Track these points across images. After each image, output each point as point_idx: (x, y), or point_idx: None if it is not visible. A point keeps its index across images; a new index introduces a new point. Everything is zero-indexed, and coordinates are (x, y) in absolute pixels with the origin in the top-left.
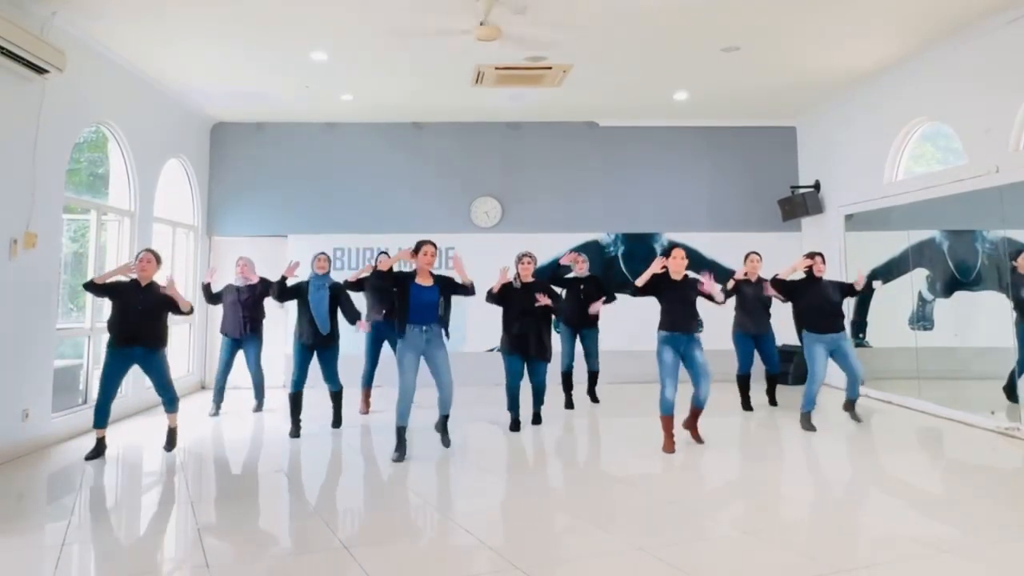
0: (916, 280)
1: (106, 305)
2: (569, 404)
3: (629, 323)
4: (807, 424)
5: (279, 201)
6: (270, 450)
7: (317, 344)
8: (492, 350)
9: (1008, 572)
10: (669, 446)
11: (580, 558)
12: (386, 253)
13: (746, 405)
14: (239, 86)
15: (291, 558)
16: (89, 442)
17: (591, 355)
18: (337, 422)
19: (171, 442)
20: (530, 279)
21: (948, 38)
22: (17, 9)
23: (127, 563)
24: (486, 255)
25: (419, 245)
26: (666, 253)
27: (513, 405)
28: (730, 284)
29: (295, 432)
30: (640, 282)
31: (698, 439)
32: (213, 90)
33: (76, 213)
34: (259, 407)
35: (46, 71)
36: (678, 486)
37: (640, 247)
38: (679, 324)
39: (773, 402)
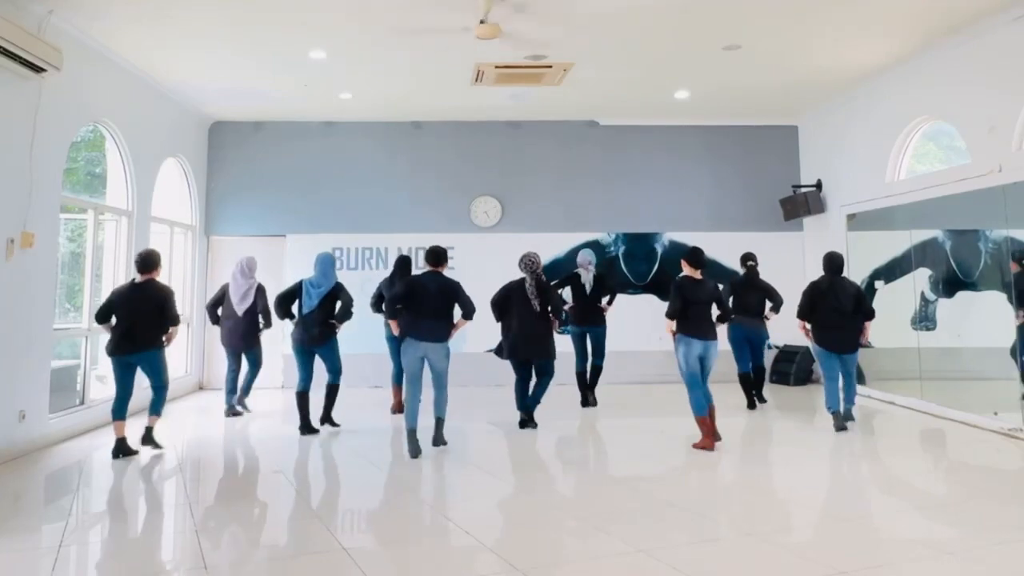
0: (919, 280)
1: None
2: (585, 402)
3: (630, 324)
4: (840, 422)
5: (278, 201)
6: (268, 451)
7: (312, 343)
8: (491, 350)
9: (1011, 574)
10: (710, 444)
11: (581, 560)
12: (407, 257)
13: (751, 403)
14: (237, 85)
15: (289, 559)
16: (88, 442)
17: (597, 351)
18: (325, 417)
19: (147, 438)
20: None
21: (951, 37)
22: (14, 7)
23: (125, 565)
24: (486, 255)
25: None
26: (692, 258)
27: (522, 404)
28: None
29: (305, 430)
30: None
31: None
32: (211, 89)
33: (73, 213)
34: (232, 411)
35: (43, 70)
36: (679, 488)
37: (640, 247)
38: (704, 329)
39: (751, 404)
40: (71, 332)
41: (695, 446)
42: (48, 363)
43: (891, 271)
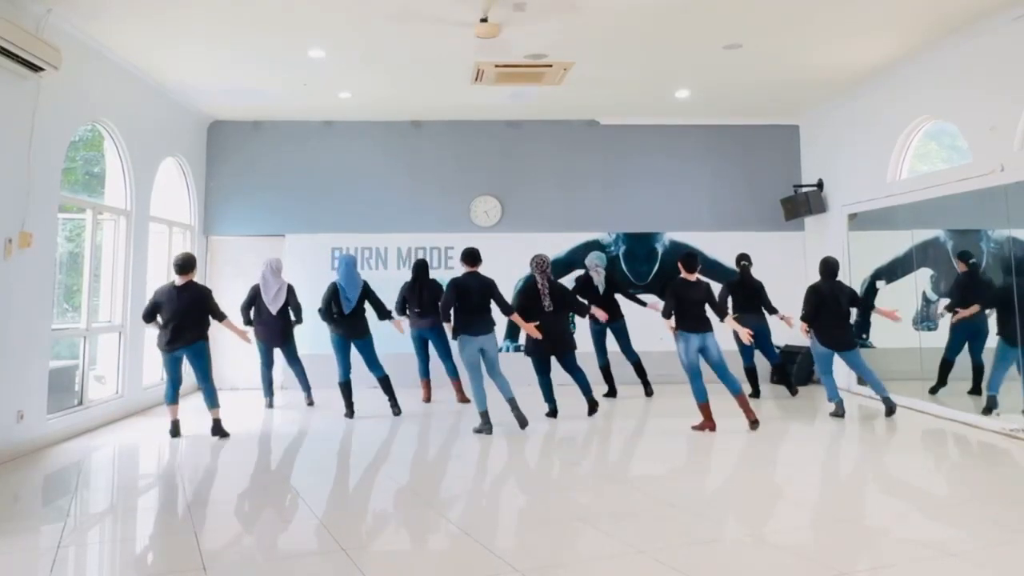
0: (920, 280)
1: (102, 307)
2: (611, 392)
3: (631, 325)
4: (840, 409)
5: (277, 200)
6: (268, 451)
7: (353, 336)
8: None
9: (1013, 575)
10: (711, 425)
11: (580, 561)
12: (424, 261)
13: (756, 392)
14: (236, 83)
15: (288, 561)
16: (87, 442)
17: (626, 348)
18: (396, 409)
19: (217, 429)
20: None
21: (952, 35)
22: (12, 6)
23: (124, 566)
24: (486, 254)
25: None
26: (686, 262)
27: (548, 396)
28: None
29: (350, 414)
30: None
31: (754, 418)
32: (210, 88)
33: (72, 212)
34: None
35: (41, 69)
36: (679, 488)
37: (641, 247)
38: (698, 324)
39: (756, 393)
40: (69, 332)
41: (694, 427)
42: (46, 363)
43: (892, 271)
